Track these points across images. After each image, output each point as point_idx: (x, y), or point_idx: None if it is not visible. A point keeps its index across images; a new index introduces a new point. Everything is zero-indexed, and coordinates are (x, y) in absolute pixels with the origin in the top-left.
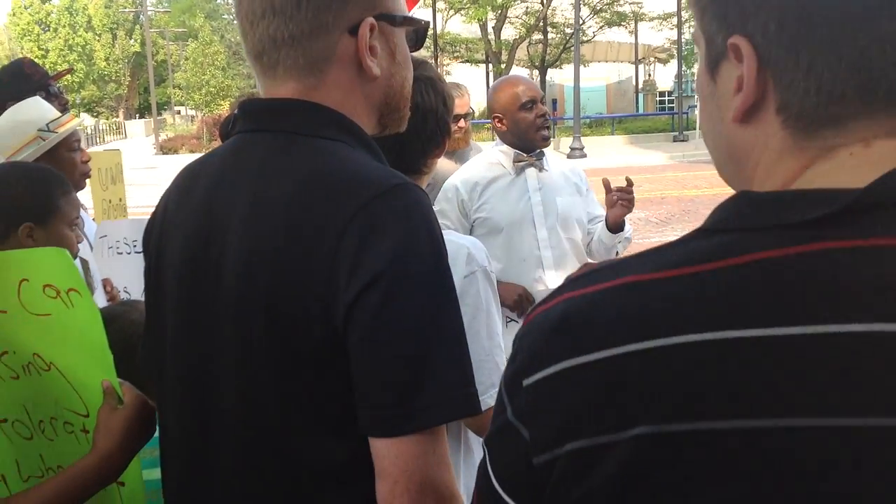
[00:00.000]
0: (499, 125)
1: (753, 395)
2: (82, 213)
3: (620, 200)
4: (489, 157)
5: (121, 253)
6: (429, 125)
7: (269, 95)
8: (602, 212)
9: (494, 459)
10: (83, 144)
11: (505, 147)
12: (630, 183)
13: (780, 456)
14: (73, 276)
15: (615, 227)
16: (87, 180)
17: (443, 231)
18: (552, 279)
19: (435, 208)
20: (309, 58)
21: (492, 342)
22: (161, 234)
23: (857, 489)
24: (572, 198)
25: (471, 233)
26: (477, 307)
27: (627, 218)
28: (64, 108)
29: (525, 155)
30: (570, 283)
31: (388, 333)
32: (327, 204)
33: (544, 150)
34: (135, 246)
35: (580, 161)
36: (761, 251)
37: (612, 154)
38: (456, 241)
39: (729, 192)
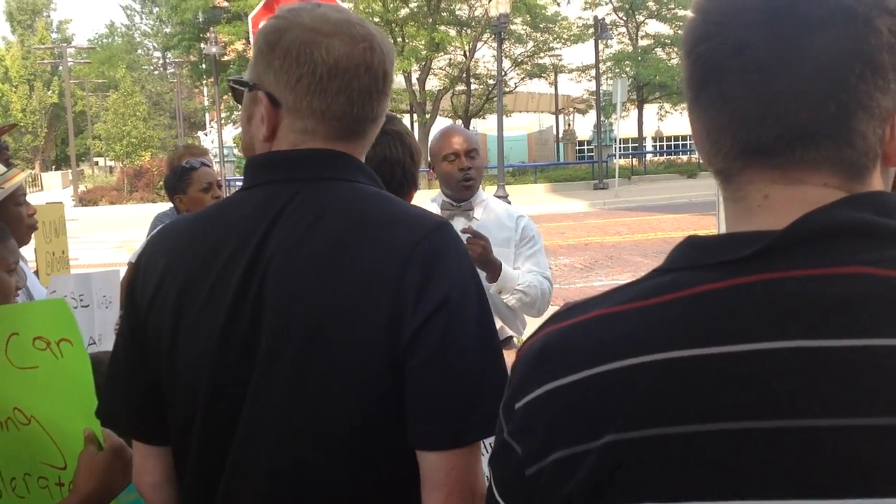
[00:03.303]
0: (433, 173)
1: (691, 405)
2: (23, 265)
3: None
4: (428, 202)
5: None
6: (396, 177)
7: (317, 146)
8: (538, 268)
9: (495, 474)
10: None
11: (439, 195)
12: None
13: (717, 455)
14: (67, 326)
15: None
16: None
17: None
18: None
19: None
20: (376, 126)
21: None
22: (163, 282)
23: (778, 485)
24: (500, 249)
25: None
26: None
27: (557, 265)
28: (6, 162)
29: (454, 204)
30: (552, 318)
31: (451, 355)
32: (386, 239)
33: (486, 199)
34: (81, 300)
35: None
36: (703, 284)
37: (536, 202)
38: None
39: (650, 237)
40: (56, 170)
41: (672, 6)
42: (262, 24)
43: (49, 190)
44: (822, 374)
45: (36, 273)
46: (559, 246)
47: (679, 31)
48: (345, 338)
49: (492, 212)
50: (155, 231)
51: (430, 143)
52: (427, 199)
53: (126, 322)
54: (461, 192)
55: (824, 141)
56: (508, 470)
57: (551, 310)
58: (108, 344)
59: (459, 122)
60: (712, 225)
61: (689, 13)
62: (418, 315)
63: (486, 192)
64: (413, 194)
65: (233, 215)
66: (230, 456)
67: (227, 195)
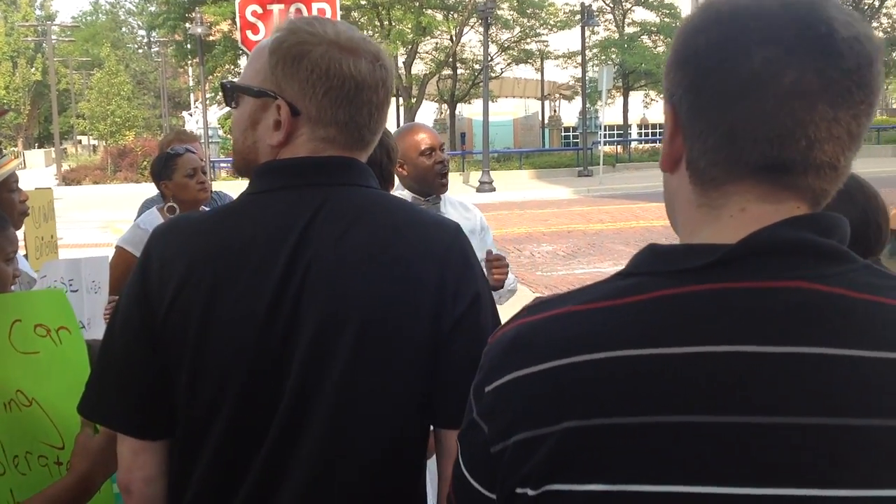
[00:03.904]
0: (400, 170)
1: (642, 399)
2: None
3: (494, 272)
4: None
5: None
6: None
7: (335, 154)
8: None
9: (463, 450)
10: None
11: (405, 192)
12: (495, 258)
13: (661, 444)
14: (66, 315)
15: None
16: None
17: None
18: None
19: None
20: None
21: None
22: (188, 280)
23: (714, 473)
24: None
25: None
26: None
27: (539, 252)
28: None
29: (422, 199)
30: (523, 311)
31: (479, 343)
32: (422, 242)
33: (442, 194)
34: (71, 284)
35: (489, 195)
36: (660, 290)
37: (520, 188)
38: None
39: (632, 226)
40: (39, 147)
41: None
42: (275, 36)
43: (32, 168)
44: (759, 376)
45: (25, 257)
46: (542, 233)
47: (665, 20)
48: (395, 338)
49: (453, 206)
50: (158, 225)
51: (396, 140)
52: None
53: (135, 317)
54: (438, 186)
55: (829, 171)
56: (475, 447)
57: (526, 295)
58: (97, 328)
59: (445, 106)
60: None
61: (710, 14)
62: (456, 311)
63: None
64: (390, 191)
65: (260, 216)
66: (264, 453)
67: (213, 178)
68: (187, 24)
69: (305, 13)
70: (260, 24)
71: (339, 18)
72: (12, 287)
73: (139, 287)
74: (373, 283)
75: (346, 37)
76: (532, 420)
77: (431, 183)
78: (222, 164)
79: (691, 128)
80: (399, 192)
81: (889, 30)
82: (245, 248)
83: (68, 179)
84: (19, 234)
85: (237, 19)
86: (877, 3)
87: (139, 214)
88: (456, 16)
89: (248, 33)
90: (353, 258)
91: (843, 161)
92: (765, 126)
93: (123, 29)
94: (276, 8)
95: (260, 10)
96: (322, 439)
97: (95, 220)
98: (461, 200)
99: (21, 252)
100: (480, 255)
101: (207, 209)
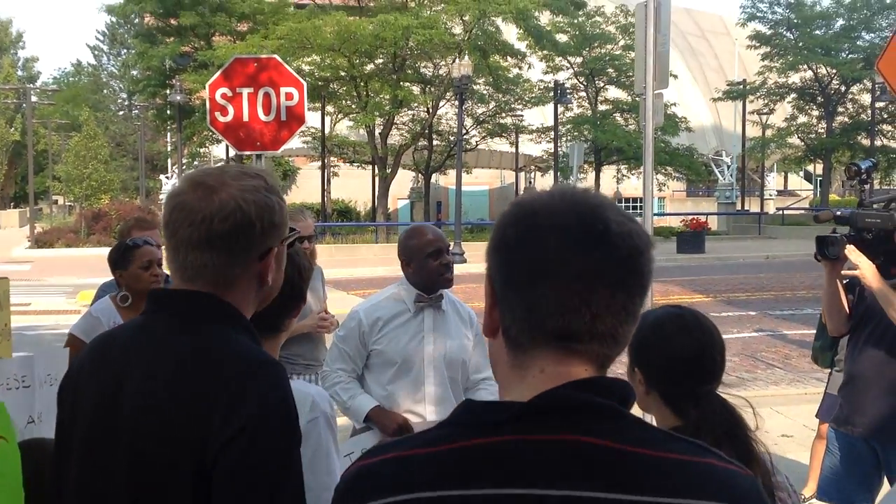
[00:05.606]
0: (407, 268)
1: None
2: None
3: None
4: (394, 293)
5: (10, 388)
6: (285, 293)
7: (177, 287)
8: (487, 374)
9: None
10: None
11: (409, 287)
12: None
13: None
14: (5, 426)
15: None
16: None
17: (291, 381)
18: (431, 413)
19: (339, 333)
20: (227, 279)
21: (330, 478)
22: (76, 391)
23: None
24: (461, 341)
25: (367, 360)
26: (318, 447)
27: None
28: None
29: (426, 296)
30: (366, 453)
31: (248, 473)
32: (208, 373)
33: (444, 291)
34: (23, 381)
35: (459, 266)
36: (467, 440)
37: None
38: (303, 389)
39: None
40: (14, 207)
41: (631, 74)
42: None
43: (6, 228)
44: None
45: None
46: None
47: (637, 99)
48: (166, 463)
49: (452, 304)
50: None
51: (405, 242)
52: (384, 286)
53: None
54: (444, 284)
55: (610, 340)
56: None
57: None
58: (48, 423)
59: (421, 176)
60: (658, 292)
61: (516, 214)
62: (222, 437)
63: None
64: (301, 308)
65: (119, 339)
66: None
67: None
68: (167, 91)
69: (273, 97)
70: (230, 107)
71: (306, 99)
72: None
73: (61, 387)
74: (158, 406)
75: (192, 182)
76: None
77: (436, 281)
78: None
79: (504, 301)
80: (404, 287)
81: (854, 115)
82: (96, 370)
83: (40, 242)
84: None
85: (206, 101)
86: (843, 89)
87: (95, 299)
88: (432, 89)
89: (217, 115)
90: (152, 384)
91: (622, 332)
92: (557, 303)
93: (105, 91)
94: (245, 91)
95: (230, 93)
96: None
97: (66, 286)
98: (454, 298)
99: None
100: (475, 357)
101: None
